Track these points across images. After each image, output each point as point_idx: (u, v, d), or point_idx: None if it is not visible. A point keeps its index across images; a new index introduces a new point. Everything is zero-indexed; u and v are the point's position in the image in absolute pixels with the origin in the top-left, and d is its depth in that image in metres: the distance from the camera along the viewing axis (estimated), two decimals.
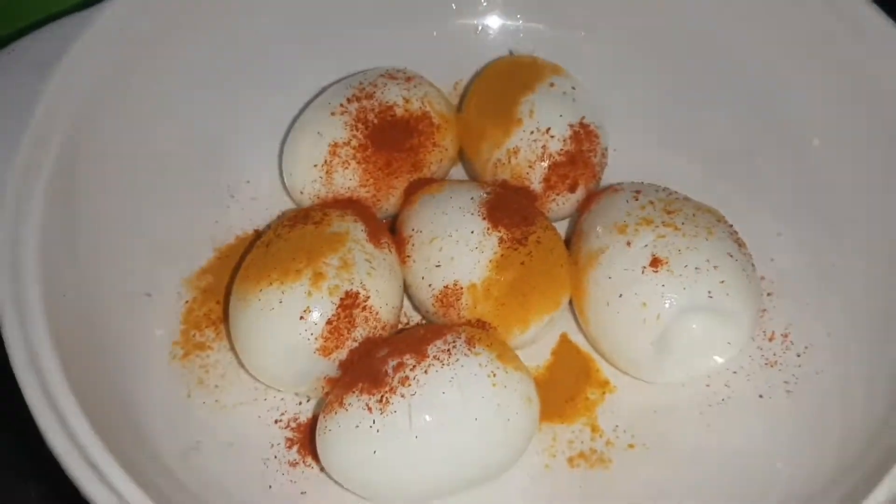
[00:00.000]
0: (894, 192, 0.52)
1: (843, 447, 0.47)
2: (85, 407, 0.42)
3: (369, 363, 0.48)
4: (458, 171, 0.62)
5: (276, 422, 0.52)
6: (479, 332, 0.50)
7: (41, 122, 0.49)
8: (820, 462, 0.47)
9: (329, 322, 0.49)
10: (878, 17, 0.54)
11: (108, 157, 0.53)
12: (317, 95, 0.60)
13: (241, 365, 0.52)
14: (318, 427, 0.48)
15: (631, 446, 0.52)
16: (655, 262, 0.51)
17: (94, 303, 0.49)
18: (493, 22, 0.65)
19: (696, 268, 0.51)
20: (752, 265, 0.53)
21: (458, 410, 0.46)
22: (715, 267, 0.51)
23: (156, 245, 0.55)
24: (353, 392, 0.46)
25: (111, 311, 0.50)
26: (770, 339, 0.55)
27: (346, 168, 0.56)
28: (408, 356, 0.47)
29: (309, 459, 0.50)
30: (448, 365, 0.46)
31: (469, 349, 0.47)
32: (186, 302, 0.55)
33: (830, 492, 0.44)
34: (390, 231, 0.56)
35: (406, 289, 0.55)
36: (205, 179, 0.59)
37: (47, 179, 0.48)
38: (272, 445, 0.51)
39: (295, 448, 0.51)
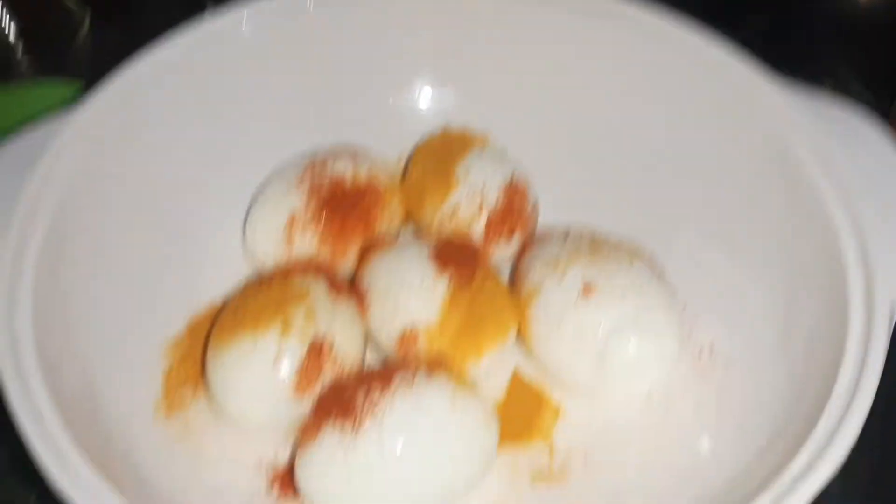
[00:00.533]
0: (777, 215, 0.59)
1: (769, 430, 0.52)
2: (90, 458, 0.46)
3: (339, 396, 0.52)
4: (408, 231, 0.68)
5: (255, 465, 0.55)
6: (438, 365, 0.55)
7: (25, 217, 0.54)
8: (747, 446, 0.52)
9: (300, 365, 0.54)
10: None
11: (86, 243, 0.57)
12: (273, 173, 0.66)
13: (219, 412, 0.56)
14: (296, 460, 0.51)
15: (586, 464, 0.56)
16: (587, 289, 0.57)
17: (84, 373, 0.53)
18: (425, 101, 0.72)
19: (622, 292, 0.57)
20: (673, 288, 0.59)
21: (421, 433, 0.50)
22: (640, 288, 0.57)
23: (135, 315, 0.59)
24: (326, 424, 0.51)
25: (101, 378, 0.54)
26: (700, 353, 0.60)
27: (305, 234, 0.62)
28: (374, 385, 0.51)
29: (290, 495, 0.53)
30: (410, 391, 0.51)
31: (429, 377, 0.52)
32: (166, 367, 0.59)
33: (759, 467, 0.50)
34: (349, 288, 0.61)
35: (368, 336, 0.59)
36: (175, 254, 0.63)
37: (34, 263, 0.52)
38: (255, 489, 0.54)
39: (275, 486, 0.54)
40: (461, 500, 0.53)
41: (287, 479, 0.54)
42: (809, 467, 0.45)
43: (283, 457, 0.56)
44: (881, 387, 0.48)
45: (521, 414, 0.59)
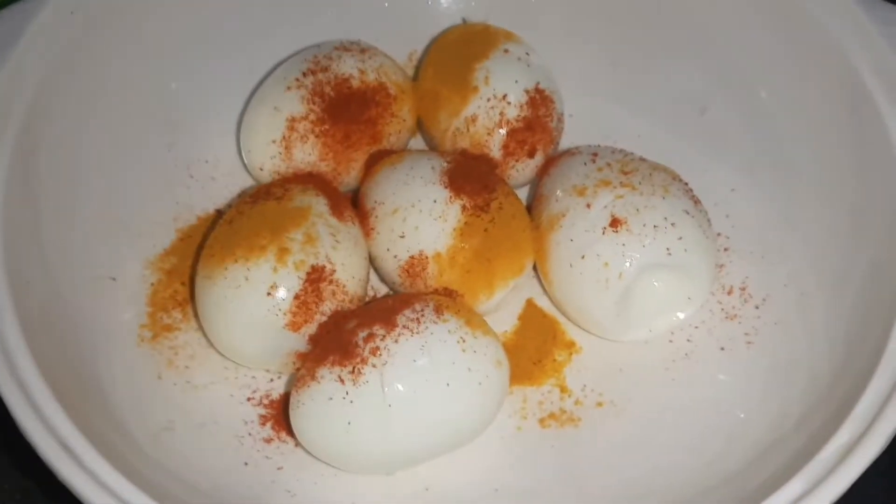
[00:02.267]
0: (843, 143, 0.53)
1: (804, 395, 0.48)
2: (56, 392, 0.41)
3: (339, 335, 0.48)
4: (416, 142, 0.63)
5: (248, 399, 0.52)
6: (447, 300, 0.50)
7: None
8: (782, 411, 0.49)
9: (296, 297, 0.49)
10: None
11: (65, 141, 0.52)
12: (271, 71, 0.59)
13: (211, 344, 0.52)
14: (290, 402, 0.48)
15: (599, 404, 0.53)
16: (615, 223, 0.52)
17: (59, 289, 0.49)
18: None
19: (655, 226, 0.52)
20: (709, 221, 0.54)
21: (429, 377, 0.46)
22: (672, 224, 0.52)
23: (118, 228, 0.54)
24: (325, 365, 0.47)
25: (77, 296, 0.50)
26: (729, 293, 0.56)
27: (305, 143, 0.56)
28: (377, 326, 0.47)
29: (283, 435, 0.50)
30: (417, 333, 0.47)
31: (437, 317, 0.48)
32: (151, 284, 0.55)
33: (792, 440, 0.46)
34: (352, 204, 0.56)
35: (371, 261, 0.55)
36: (163, 160, 0.58)
37: (6, 166, 0.47)
38: (245, 423, 0.51)
39: (269, 424, 0.51)
40: (467, 444, 0.50)
41: (281, 417, 0.51)
42: (854, 442, 0.41)
43: (279, 391, 0.52)
44: None
45: (533, 348, 0.56)
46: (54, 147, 0.51)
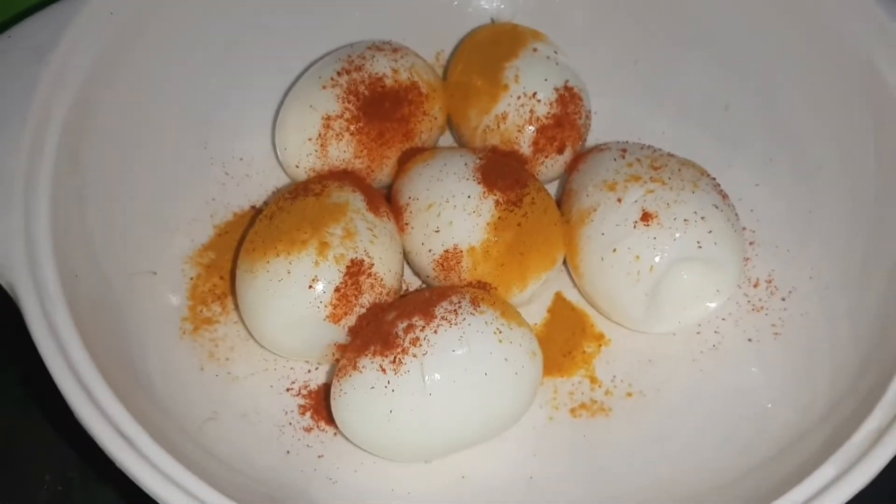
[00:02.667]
0: (864, 137, 0.54)
1: (832, 384, 0.49)
2: (109, 382, 0.42)
3: (379, 327, 0.49)
4: (446, 139, 0.64)
5: (287, 390, 0.53)
6: (482, 293, 0.51)
7: (41, 107, 0.49)
8: (811, 400, 0.50)
9: (337, 290, 0.50)
10: None
11: (106, 139, 0.53)
12: (304, 71, 0.61)
13: (250, 336, 0.53)
14: (332, 390, 0.49)
15: (629, 395, 0.54)
16: (646, 217, 0.53)
17: (105, 283, 0.50)
18: None
19: (685, 220, 0.53)
20: (736, 215, 0.55)
21: (468, 367, 0.47)
22: (702, 218, 0.53)
23: (158, 224, 0.56)
24: (366, 355, 0.48)
25: (121, 290, 0.51)
26: (755, 286, 0.57)
27: (340, 140, 0.57)
28: (417, 318, 0.48)
29: (323, 424, 0.52)
30: (456, 324, 0.48)
31: (474, 308, 0.49)
32: (191, 279, 0.56)
33: (822, 428, 0.47)
34: (386, 200, 0.57)
35: (405, 255, 0.56)
36: (199, 158, 0.59)
37: (52, 163, 0.48)
38: (286, 413, 0.52)
39: (308, 414, 0.52)
40: (502, 433, 0.51)
41: (321, 406, 0.52)
42: (885, 427, 0.42)
43: (318, 381, 0.53)
44: None
45: (563, 339, 0.57)
46: (97, 145, 0.52)
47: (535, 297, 0.56)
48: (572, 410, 0.54)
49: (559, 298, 0.58)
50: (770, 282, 0.57)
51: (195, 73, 0.59)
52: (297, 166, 0.58)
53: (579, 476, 0.51)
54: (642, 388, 0.54)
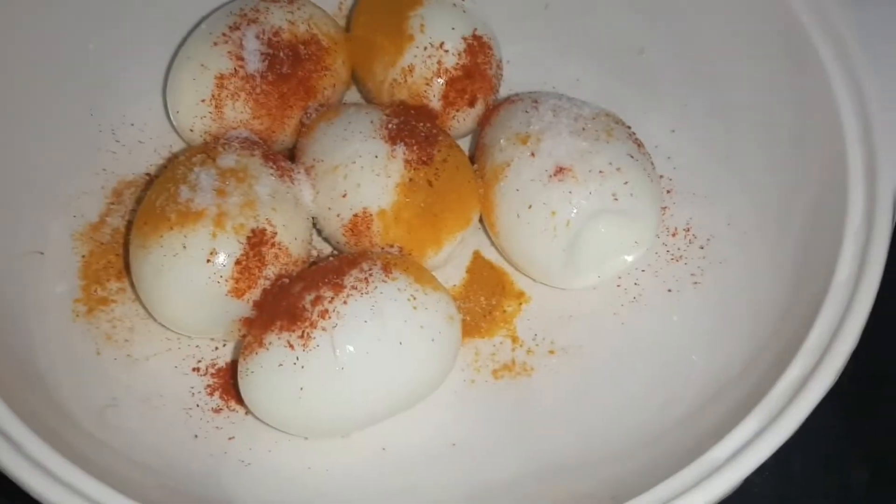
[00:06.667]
0: (779, 79, 0.53)
1: (753, 332, 0.49)
2: None
3: (285, 300, 0.47)
4: (352, 95, 0.61)
5: (193, 370, 0.51)
6: (394, 258, 0.49)
7: None
8: (732, 349, 0.49)
9: (238, 262, 0.47)
10: None
11: None
12: (195, 26, 0.57)
13: (150, 315, 0.50)
14: (239, 370, 0.47)
15: (551, 352, 0.53)
16: (560, 171, 0.51)
17: None
18: None
19: (600, 171, 0.51)
20: (652, 164, 0.54)
21: (381, 337, 0.46)
22: (617, 169, 0.51)
23: (42, 200, 0.52)
24: (273, 331, 0.46)
25: (3, 274, 0.48)
26: (673, 235, 0.56)
27: (236, 101, 0.54)
28: (325, 289, 0.46)
29: (233, 404, 0.49)
30: (367, 293, 0.46)
31: (386, 275, 0.47)
32: (83, 256, 0.52)
33: (744, 378, 0.46)
34: (289, 163, 0.54)
35: (313, 221, 0.53)
36: (86, 126, 0.55)
37: None
38: (193, 394, 0.50)
39: (217, 394, 0.50)
40: (422, 401, 0.49)
41: (229, 385, 0.50)
42: (806, 376, 0.42)
43: (225, 358, 0.51)
44: None
45: (482, 299, 0.55)
46: None
47: (452, 257, 0.55)
48: (494, 372, 0.52)
49: (477, 257, 0.57)
50: (688, 230, 0.56)
51: (74, 35, 0.55)
52: (191, 130, 0.55)
53: (503, 439, 0.50)
54: (564, 345, 0.53)
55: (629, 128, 0.54)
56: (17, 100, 0.51)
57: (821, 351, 0.43)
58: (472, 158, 0.56)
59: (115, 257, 0.53)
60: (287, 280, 0.49)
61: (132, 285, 0.51)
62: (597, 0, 0.61)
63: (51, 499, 0.37)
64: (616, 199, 0.51)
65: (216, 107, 0.54)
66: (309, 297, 0.46)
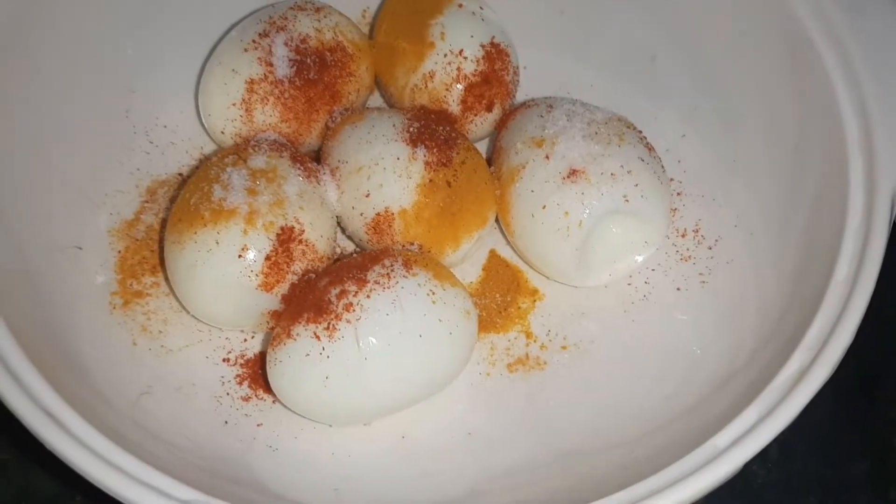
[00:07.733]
0: (782, 84, 0.55)
1: (758, 329, 0.51)
2: (35, 362, 0.42)
3: (312, 293, 0.49)
4: (374, 100, 0.63)
5: (223, 360, 0.53)
6: (414, 255, 0.52)
7: None
8: (737, 345, 0.51)
9: (268, 258, 0.50)
10: None
11: (18, 106, 0.51)
12: (226, 32, 0.59)
13: (183, 308, 0.53)
14: (267, 359, 0.49)
15: (564, 348, 0.55)
16: (573, 173, 0.53)
17: (25, 261, 0.49)
18: None
19: (612, 174, 0.53)
20: (662, 167, 0.56)
21: (402, 330, 0.48)
22: (629, 172, 0.53)
23: (80, 197, 0.54)
24: (300, 322, 0.48)
25: (44, 267, 0.50)
26: (683, 236, 0.58)
27: (266, 105, 0.56)
28: (349, 283, 0.48)
29: (261, 392, 0.52)
30: (388, 288, 0.48)
31: (407, 271, 0.49)
32: (119, 252, 0.55)
33: (747, 372, 0.48)
34: (315, 164, 0.56)
35: (338, 220, 0.56)
36: (121, 127, 0.58)
37: None
38: (223, 383, 0.52)
39: (246, 383, 0.52)
40: (440, 393, 0.51)
41: (258, 375, 0.52)
42: (804, 370, 0.44)
43: (254, 349, 0.53)
44: None
45: (498, 296, 0.57)
46: (11, 117, 0.51)
47: (469, 255, 0.57)
48: (509, 366, 0.54)
49: (493, 256, 0.59)
50: (697, 231, 0.58)
51: (113, 40, 0.57)
52: (222, 132, 0.57)
53: (517, 429, 0.52)
54: (576, 341, 0.55)
55: (640, 132, 0.56)
56: (57, 103, 0.54)
57: (819, 346, 0.44)
58: (489, 160, 0.58)
59: (149, 253, 0.55)
60: (313, 275, 0.51)
61: (166, 279, 0.53)
62: (611, 9, 0.62)
63: (91, 472, 0.39)
64: (627, 201, 0.53)
65: (246, 110, 0.56)
66: (334, 291, 0.48)
